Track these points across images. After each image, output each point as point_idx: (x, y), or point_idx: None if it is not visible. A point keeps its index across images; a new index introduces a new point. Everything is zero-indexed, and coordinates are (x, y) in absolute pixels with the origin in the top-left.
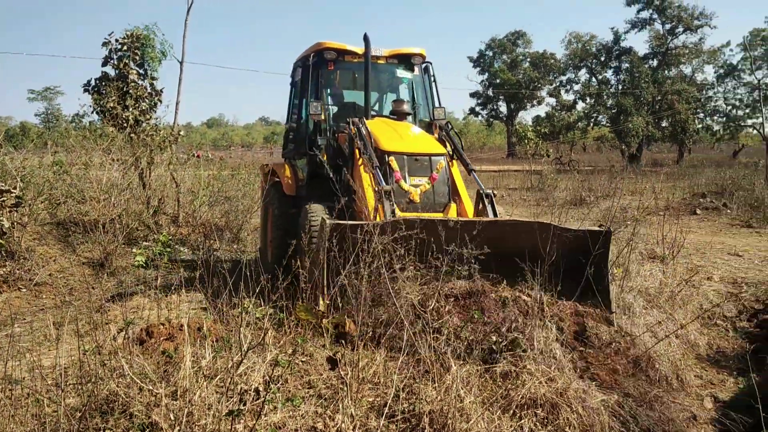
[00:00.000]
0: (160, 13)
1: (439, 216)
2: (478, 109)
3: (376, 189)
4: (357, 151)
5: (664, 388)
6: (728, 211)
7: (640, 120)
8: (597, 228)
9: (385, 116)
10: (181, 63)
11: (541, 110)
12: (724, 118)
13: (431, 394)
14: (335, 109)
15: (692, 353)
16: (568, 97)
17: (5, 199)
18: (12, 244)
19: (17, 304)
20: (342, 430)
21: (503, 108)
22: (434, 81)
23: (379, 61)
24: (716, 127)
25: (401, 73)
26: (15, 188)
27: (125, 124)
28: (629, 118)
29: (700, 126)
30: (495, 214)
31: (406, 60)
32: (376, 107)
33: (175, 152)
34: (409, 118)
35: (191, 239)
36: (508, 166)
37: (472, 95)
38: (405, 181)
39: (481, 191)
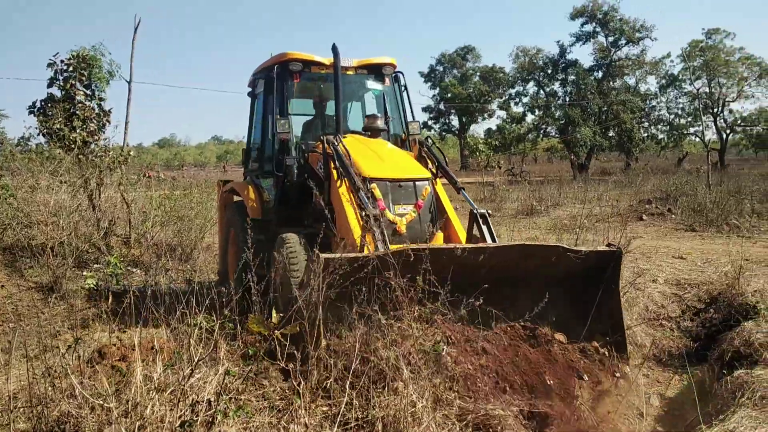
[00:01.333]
0: (108, 32)
1: (440, 245)
2: (430, 123)
3: (364, 215)
4: (335, 172)
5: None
6: (673, 216)
7: (587, 130)
8: (605, 248)
9: (358, 132)
10: (129, 83)
11: (493, 123)
12: (668, 127)
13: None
14: (302, 124)
15: (639, 353)
16: (518, 109)
17: None
18: None
19: None
20: None
21: (455, 121)
22: (406, 92)
23: (348, 72)
24: (660, 136)
25: (371, 84)
26: None
27: (73, 146)
28: (577, 128)
29: (646, 135)
30: (493, 237)
31: (376, 70)
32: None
33: (125, 173)
34: (383, 134)
35: (144, 260)
36: (462, 178)
37: (425, 109)
38: (390, 210)
39: (475, 211)
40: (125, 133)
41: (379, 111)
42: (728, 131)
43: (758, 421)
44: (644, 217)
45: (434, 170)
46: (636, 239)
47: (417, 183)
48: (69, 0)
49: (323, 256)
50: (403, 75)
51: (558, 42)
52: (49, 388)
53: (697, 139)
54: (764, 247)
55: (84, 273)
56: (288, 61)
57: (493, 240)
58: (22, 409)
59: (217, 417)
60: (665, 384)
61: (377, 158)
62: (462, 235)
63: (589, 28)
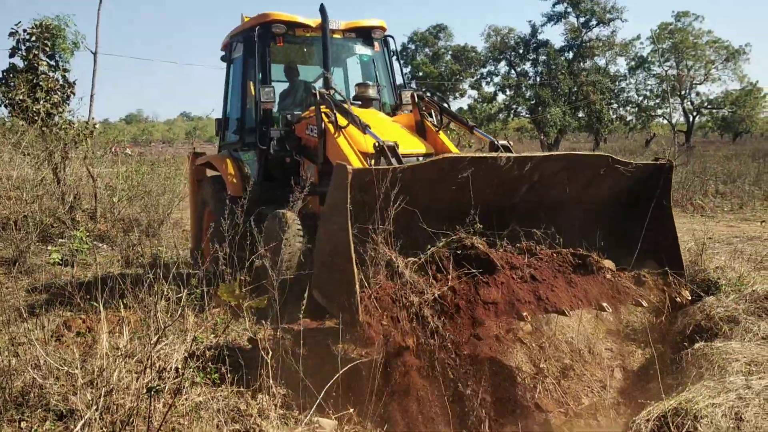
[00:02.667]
0: (75, 3)
1: (482, 153)
2: None
3: (376, 145)
4: (330, 126)
5: (579, 360)
6: None
7: (557, 110)
8: (654, 161)
9: (346, 102)
10: (94, 54)
11: (464, 102)
12: (636, 109)
13: None
14: (286, 91)
15: (603, 328)
16: (489, 89)
17: None
18: None
19: None
20: (263, 409)
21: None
22: (397, 57)
23: (335, 36)
24: (629, 117)
25: (360, 49)
26: None
27: (36, 118)
28: (547, 108)
29: (615, 116)
30: None
31: (365, 34)
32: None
33: (91, 147)
34: (375, 103)
35: (111, 235)
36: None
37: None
38: None
39: (495, 142)
40: (90, 105)
41: (367, 78)
42: (695, 113)
43: (716, 391)
44: None
45: (440, 118)
46: None
47: (420, 159)
48: None
49: (350, 168)
50: (393, 39)
51: (530, 22)
52: (13, 359)
53: (665, 121)
54: (727, 226)
55: (49, 247)
56: (271, 22)
57: None
58: None
59: (185, 384)
60: (628, 357)
61: (377, 132)
62: None
63: (560, 8)
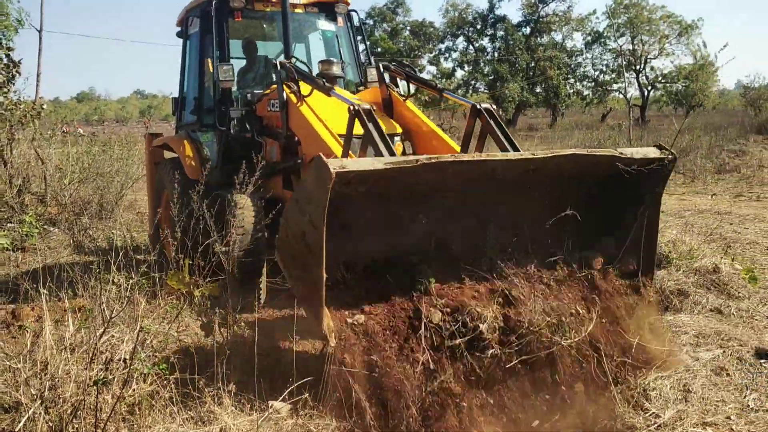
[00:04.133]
0: None
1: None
2: None
3: (351, 109)
4: (293, 95)
5: None
6: None
7: (515, 86)
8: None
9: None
10: (39, 32)
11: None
12: (593, 84)
13: None
14: (244, 68)
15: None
16: (448, 65)
17: None
18: None
19: None
20: (216, 395)
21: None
22: (361, 33)
23: (297, 10)
24: (586, 92)
25: (323, 24)
26: None
27: None
28: (505, 84)
29: (572, 91)
30: (512, 143)
31: (328, 9)
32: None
33: (38, 128)
34: (340, 81)
35: (62, 219)
36: None
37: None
38: None
39: (477, 106)
40: (37, 85)
41: (330, 54)
42: (650, 88)
43: None
44: None
45: (407, 87)
46: None
47: (393, 138)
48: None
49: (333, 166)
50: (357, 13)
51: None
52: None
53: (621, 96)
54: (679, 199)
55: None
56: None
57: (513, 146)
58: None
59: (133, 374)
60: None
61: (341, 111)
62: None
63: None
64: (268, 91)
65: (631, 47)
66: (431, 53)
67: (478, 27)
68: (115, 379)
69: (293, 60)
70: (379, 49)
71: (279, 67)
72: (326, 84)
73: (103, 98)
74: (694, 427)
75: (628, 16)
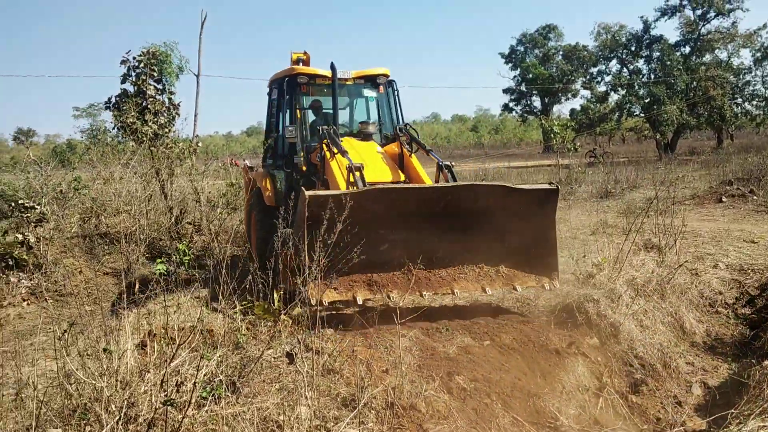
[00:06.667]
0: (177, 27)
1: (406, 185)
2: (511, 105)
3: (347, 166)
4: (328, 153)
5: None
6: (754, 197)
7: (673, 108)
8: (545, 186)
9: (353, 134)
10: (197, 76)
11: (577, 103)
12: (764, 102)
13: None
14: (315, 121)
15: (687, 341)
16: (601, 88)
17: (30, 215)
18: (39, 257)
19: (43, 314)
20: (300, 419)
21: (537, 102)
22: (397, 97)
23: (348, 82)
24: (756, 112)
25: (367, 92)
26: (39, 204)
27: (144, 138)
28: (662, 107)
29: (739, 111)
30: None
31: (371, 80)
32: (347, 119)
33: (194, 163)
34: (375, 136)
35: (213, 246)
36: (543, 161)
37: (505, 91)
38: None
39: (440, 163)
40: (194, 124)
41: (374, 114)
42: None
43: None
44: (724, 198)
45: (411, 145)
46: (708, 222)
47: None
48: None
49: (308, 192)
50: (395, 82)
51: (642, 17)
52: (80, 371)
53: None
54: None
55: (156, 260)
56: (296, 75)
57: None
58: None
59: (207, 396)
60: (711, 372)
61: (355, 157)
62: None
63: (674, 1)
64: (315, 147)
65: None
66: (585, 77)
67: (633, 49)
68: (185, 400)
69: (331, 129)
70: (530, 76)
71: (321, 132)
72: (343, 149)
73: None
74: None
75: None
